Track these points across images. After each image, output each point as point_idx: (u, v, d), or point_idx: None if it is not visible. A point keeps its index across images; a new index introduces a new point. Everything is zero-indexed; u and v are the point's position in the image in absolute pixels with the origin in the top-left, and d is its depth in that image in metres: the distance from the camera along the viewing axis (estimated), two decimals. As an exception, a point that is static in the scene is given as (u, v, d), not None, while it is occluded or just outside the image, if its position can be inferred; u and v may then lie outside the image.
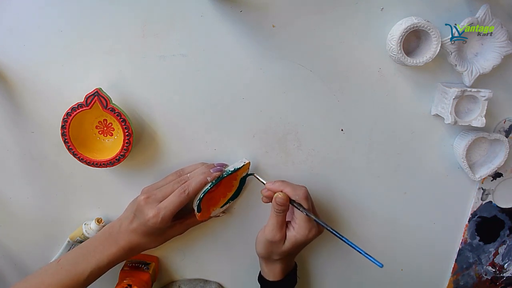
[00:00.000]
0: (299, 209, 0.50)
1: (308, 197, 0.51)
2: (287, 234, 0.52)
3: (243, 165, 0.52)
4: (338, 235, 0.48)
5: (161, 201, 0.49)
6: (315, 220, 0.50)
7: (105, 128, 0.52)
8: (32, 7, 0.48)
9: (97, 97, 0.48)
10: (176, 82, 0.52)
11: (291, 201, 0.51)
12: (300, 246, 0.53)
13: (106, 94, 0.49)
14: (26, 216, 0.58)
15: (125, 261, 0.60)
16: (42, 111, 0.52)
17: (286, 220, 0.53)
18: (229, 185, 0.55)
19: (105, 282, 0.60)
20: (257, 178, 0.54)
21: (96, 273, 0.49)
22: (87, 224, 0.56)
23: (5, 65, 0.50)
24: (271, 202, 0.51)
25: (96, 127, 0.52)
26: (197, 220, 0.54)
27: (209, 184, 0.49)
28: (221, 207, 0.55)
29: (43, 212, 0.58)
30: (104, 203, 0.58)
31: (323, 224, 0.49)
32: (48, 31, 0.49)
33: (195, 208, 0.51)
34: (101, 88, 0.49)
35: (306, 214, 0.50)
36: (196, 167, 0.52)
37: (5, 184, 0.56)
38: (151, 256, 0.61)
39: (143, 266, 0.59)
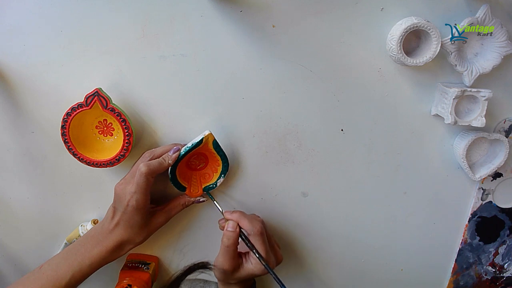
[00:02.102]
0: (248, 247, 0.50)
1: (263, 233, 0.50)
2: (244, 265, 0.51)
3: (202, 138, 0.50)
4: (278, 281, 0.48)
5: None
6: (262, 264, 0.49)
7: (105, 128, 0.52)
8: (32, 7, 0.48)
9: (97, 97, 0.48)
10: (176, 82, 0.52)
11: (243, 237, 0.50)
12: (257, 276, 0.52)
13: (106, 94, 0.49)
14: (26, 216, 0.58)
15: (125, 261, 0.60)
16: (42, 111, 0.52)
17: (245, 251, 0.52)
18: (214, 159, 0.54)
19: (105, 282, 0.61)
20: (216, 206, 0.54)
21: (78, 276, 0.48)
22: (84, 226, 0.56)
23: (5, 65, 0.50)
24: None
25: (96, 127, 0.52)
26: (178, 206, 0.54)
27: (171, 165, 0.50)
28: (218, 180, 0.55)
29: (43, 212, 0.58)
30: (104, 203, 0.58)
31: (267, 268, 0.48)
32: (48, 31, 0.49)
33: (175, 187, 0.53)
34: (101, 88, 0.49)
35: (255, 254, 0.49)
36: (167, 148, 0.52)
37: (5, 184, 0.56)
38: (151, 256, 0.61)
39: (143, 266, 0.58)
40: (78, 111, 0.49)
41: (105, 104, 0.48)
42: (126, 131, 0.49)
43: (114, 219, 0.50)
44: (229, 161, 0.54)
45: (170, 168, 0.51)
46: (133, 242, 0.51)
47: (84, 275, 0.49)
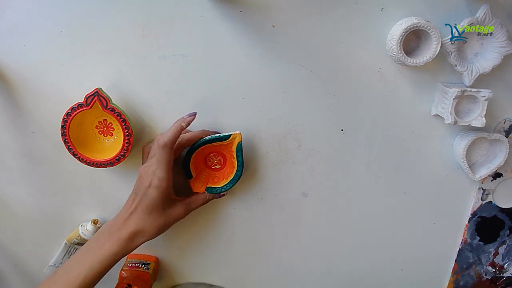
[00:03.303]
0: None
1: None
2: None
3: (231, 134, 0.51)
4: None
5: None
6: None
7: (105, 128, 0.52)
8: (32, 7, 0.48)
9: (97, 97, 0.48)
10: (176, 82, 0.52)
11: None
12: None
13: (106, 94, 0.49)
14: (26, 216, 0.58)
15: (125, 261, 0.60)
16: (42, 111, 0.52)
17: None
18: (231, 165, 0.54)
19: (105, 282, 0.61)
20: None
21: (91, 276, 0.46)
22: (83, 226, 0.56)
23: (5, 65, 0.50)
24: None
25: (96, 127, 0.52)
26: (199, 200, 0.54)
27: (193, 144, 0.52)
28: (224, 187, 0.54)
29: (43, 212, 0.58)
30: (104, 203, 0.58)
31: None
32: (48, 31, 0.49)
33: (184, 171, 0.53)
34: (101, 88, 0.49)
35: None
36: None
37: (5, 184, 0.56)
38: (151, 256, 0.61)
39: (143, 266, 0.58)
40: (78, 111, 0.48)
41: (105, 104, 0.48)
42: (126, 131, 0.49)
43: (132, 205, 0.48)
44: (242, 172, 0.54)
45: (187, 150, 0.52)
46: (147, 233, 0.49)
47: (96, 274, 0.47)
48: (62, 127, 0.49)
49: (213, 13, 0.49)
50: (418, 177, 0.59)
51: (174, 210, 0.51)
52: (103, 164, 0.51)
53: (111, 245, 0.47)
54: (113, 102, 0.49)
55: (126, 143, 0.50)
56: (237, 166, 0.53)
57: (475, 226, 0.62)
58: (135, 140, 0.54)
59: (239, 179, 0.54)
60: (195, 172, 0.54)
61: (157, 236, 0.50)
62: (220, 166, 0.55)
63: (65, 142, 0.50)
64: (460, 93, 0.50)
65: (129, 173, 0.56)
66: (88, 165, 0.51)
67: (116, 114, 0.49)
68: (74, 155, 0.51)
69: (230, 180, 0.54)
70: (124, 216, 0.49)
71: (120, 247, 0.48)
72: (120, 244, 0.48)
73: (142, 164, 0.52)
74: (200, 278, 0.64)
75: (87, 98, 0.48)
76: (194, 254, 0.62)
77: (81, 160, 0.51)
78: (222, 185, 0.55)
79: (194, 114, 0.50)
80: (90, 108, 0.48)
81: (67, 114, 0.49)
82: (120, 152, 0.51)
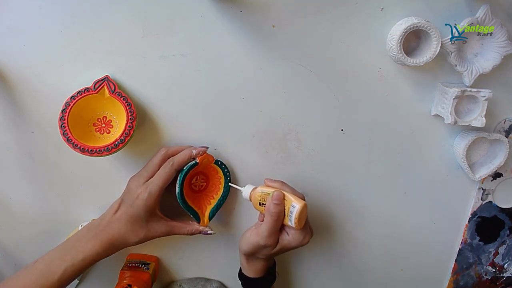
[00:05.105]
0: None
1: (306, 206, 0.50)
2: (279, 238, 0.51)
3: (196, 161, 0.51)
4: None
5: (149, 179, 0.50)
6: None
7: (103, 125, 0.51)
8: (32, 7, 0.48)
9: (106, 82, 0.48)
10: (176, 82, 0.52)
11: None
12: (290, 250, 0.52)
13: (115, 81, 0.49)
14: (26, 216, 0.58)
15: (125, 261, 0.60)
16: (42, 111, 0.52)
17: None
18: (216, 174, 0.55)
19: (105, 282, 0.61)
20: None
21: (71, 271, 0.47)
22: (83, 226, 0.56)
23: (5, 65, 0.50)
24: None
25: (94, 124, 0.51)
26: (183, 228, 0.53)
27: (186, 167, 0.50)
28: (218, 203, 0.55)
29: (43, 212, 0.58)
30: (104, 203, 0.58)
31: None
32: (48, 31, 0.49)
33: (180, 202, 0.52)
34: (109, 75, 0.49)
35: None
36: (181, 148, 0.53)
37: (5, 184, 0.56)
38: (151, 256, 0.61)
39: (143, 266, 0.58)
40: (83, 95, 0.48)
41: (113, 89, 0.48)
42: (130, 114, 0.49)
43: (117, 213, 0.50)
44: (230, 172, 0.54)
45: (178, 194, 0.51)
46: (126, 242, 0.50)
47: (76, 270, 0.48)
48: (63, 111, 0.48)
49: (213, 13, 0.49)
50: (418, 177, 0.59)
51: (156, 226, 0.52)
52: (99, 150, 0.48)
53: (94, 245, 0.48)
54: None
55: (129, 126, 0.49)
56: (222, 170, 0.54)
57: (475, 226, 0.62)
58: (135, 140, 0.53)
59: (229, 180, 0.54)
60: (193, 204, 0.53)
61: (136, 245, 0.51)
62: (205, 182, 0.55)
63: (62, 127, 0.48)
64: (460, 93, 0.50)
65: (129, 174, 0.56)
66: (82, 152, 0.48)
67: (123, 98, 0.49)
68: (69, 140, 0.48)
69: (224, 187, 0.54)
70: (110, 219, 0.50)
71: (102, 248, 0.49)
72: (102, 246, 0.49)
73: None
74: (198, 273, 0.64)
75: (95, 83, 0.48)
76: (194, 253, 0.62)
77: (75, 146, 0.48)
78: (219, 197, 0.55)
79: (206, 148, 0.52)
80: (97, 92, 0.48)
81: (72, 97, 0.48)
82: (121, 136, 0.49)
